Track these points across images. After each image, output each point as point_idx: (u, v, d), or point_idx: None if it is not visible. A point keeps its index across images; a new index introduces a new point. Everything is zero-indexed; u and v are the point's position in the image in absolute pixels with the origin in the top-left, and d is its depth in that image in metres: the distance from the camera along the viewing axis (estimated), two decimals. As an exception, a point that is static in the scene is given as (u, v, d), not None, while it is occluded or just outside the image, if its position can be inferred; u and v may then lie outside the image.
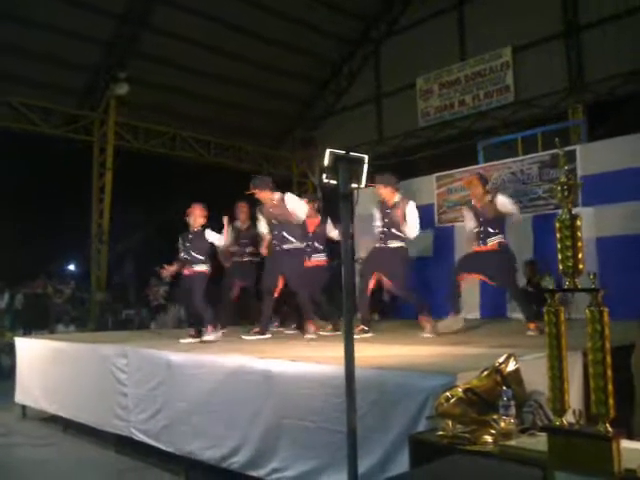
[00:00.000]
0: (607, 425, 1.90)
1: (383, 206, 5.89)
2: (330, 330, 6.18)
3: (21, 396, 6.36)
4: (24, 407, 6.38)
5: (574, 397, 2.40)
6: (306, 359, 3.83)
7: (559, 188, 2.19)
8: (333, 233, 6.66)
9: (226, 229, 6.01)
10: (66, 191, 13.59)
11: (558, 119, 10.21)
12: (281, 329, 6.95)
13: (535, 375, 2.75)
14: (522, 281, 6.81)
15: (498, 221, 5.73)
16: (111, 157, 11.59)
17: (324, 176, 3.03)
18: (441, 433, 2.47)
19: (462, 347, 4.50)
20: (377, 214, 5.95)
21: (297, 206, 5.85)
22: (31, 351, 6.38)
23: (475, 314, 7.59)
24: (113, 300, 11.79)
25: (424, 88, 11.93)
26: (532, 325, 5.28)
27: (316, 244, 6.62)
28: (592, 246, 6.49)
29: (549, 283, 6.77)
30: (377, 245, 5.85)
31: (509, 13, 10.43)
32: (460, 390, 2.54)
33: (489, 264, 5.71)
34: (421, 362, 3.65)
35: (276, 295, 6.04)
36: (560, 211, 2.19)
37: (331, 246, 6.75)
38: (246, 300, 7.23)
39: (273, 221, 5.96)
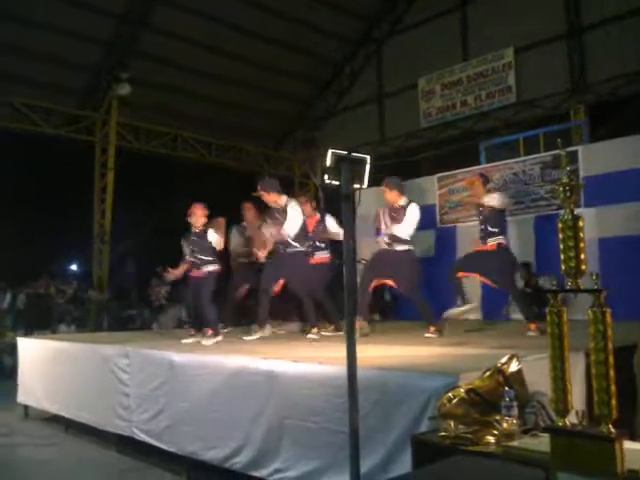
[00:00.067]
0: (610, 426, 1.90)
1: (390, 210, 5.88)
2: (332, 330, 6.18)
3: (23, 396, 6.37)
4: (26, 407, 6.39)
5: (576, 398, 2.41)
6: (308, 360, 3.83)
7: (561, 189, 2.20)
8: (334, 230, 6.61)
9: (222, 232, 6.01)
10: (68, 191, 13.60)
11: (560, 120, 10.20)
12: (283, 330, 6.94)
13: (537, 376, 2.75)
14: (519, 283, 6.81)
15: (497, 220, 5.74)
16: (113, 157, 11.60)
17: (326, 177, 3.03)
18: (443, 434, 2.48)
19: (464, 348, 4.50)
20: (384, 217, 5.92)
21: (290, 217, 5.84)
22: (33, 351, 6.39)
23: (476, 315, 7.59)
24: (117, 300, 11.80)
25: (426, 89, 11.93)
26: (533, 326, 5.29)
27: (317, 242, 6.62)
28: (594, 247, 6.49)
29: (546, 282, 6.81)
30: (383, 248, 5.82)
31: (511, 14, 10.42)
32: (462, 391, 2.54)
33: (488, 265, 5.72)
34: (423, 362, 3.65)
35: (275, 293, 6.06)
36: (562, 212, 2.19)
37: (333, 245, 6.75)
38: (251, 301, 7.23)
39: (279, 223, 5.99)
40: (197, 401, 4.21)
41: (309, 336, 5.86)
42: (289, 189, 13.30)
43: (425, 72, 11.88)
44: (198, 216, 5.91)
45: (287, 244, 5.88)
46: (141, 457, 4.72)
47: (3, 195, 12.68)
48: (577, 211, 2.17)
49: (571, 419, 2.03)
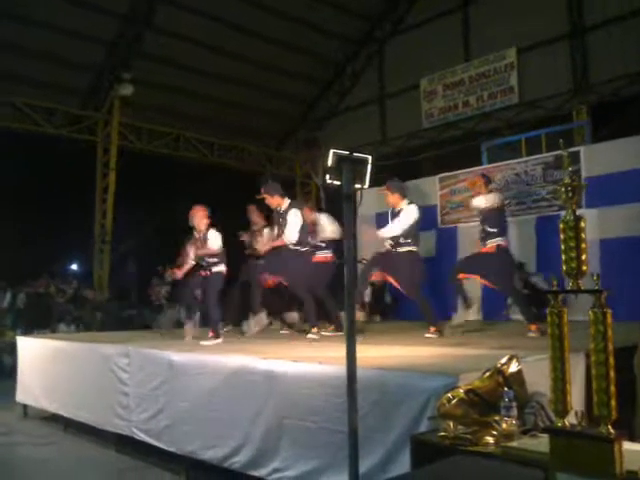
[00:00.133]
0: (609, 427, 1.89)
1: (392, 212, 5.91)
2: (332, 330, 6.19)
3: (22, 395, 6.36)
4: (25, 406, 6.39)
5: (575, 399, 2.40)
6: (308, 359, 3.83)
7: (563, 189, 2.19)
8: (328, 229, 6.62)
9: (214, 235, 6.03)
10: (69, 191, 13.61)
11: (562, 120, 10.18)
12: (284, 328, 6.94)
13: (537, 376, 2.74)
14: (517, 284, 6.80)
15: (495, 220, 5.75)
16: (115, 157, 11.61)
17: (327, 177, 3.03)
18: (443, 434, 2.47)
19: (463, 348, 4.50)
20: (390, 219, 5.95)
21: (290, 225, 5.88)
22: (32, 350, 6.39)
23: (476, 316, 7.58)
24: (118, 300, 11.80)
25: (428, 89, 11.92)
26: (533, 327, 5.29)
27: (317, 242, 6.63)
28: (595, 248, 6.48)
29: (539, 281, 6.82)
30: (387, 248, 5.83)
31: (514, 14, 10.41)
32: (462, 391, 2.53)
33: (487, 267, 5.74)
34: (423, 363, 3.65)
35: (268, 286, 6.10)
36: (563, 212, 2.18)
37: (336, 245, 6.76)
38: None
39: (280, 225, 6.05)
40: (196, 401, 4.20)
41: (309, 336, 5.86)
42: (291, 189, 13.36)
43: (427, 72, 11.88)
44: (199, 218, 5.90)
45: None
46: (140, 456, 4.72)
47: (5, 195, 12.69)
48: (578, 212, 2.16)
49: (570, 420, 2.02)
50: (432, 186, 8.93)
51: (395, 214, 5.83)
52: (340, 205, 2.99)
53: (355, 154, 3.03)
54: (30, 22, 9.84)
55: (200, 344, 5.33)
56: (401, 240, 5.69)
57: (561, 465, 1.94)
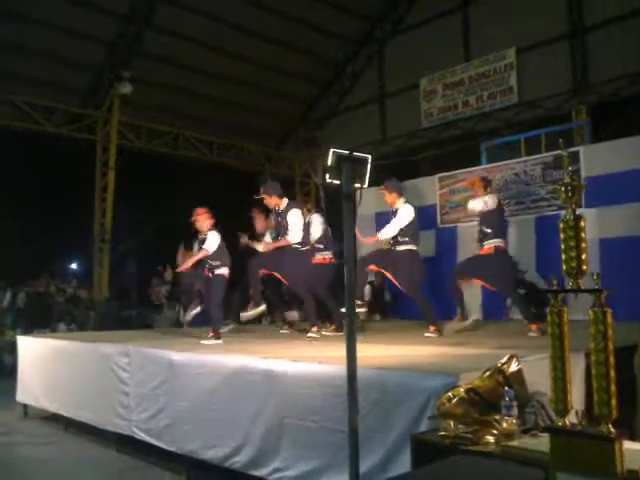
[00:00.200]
0: (610, 426, 1.89)
1: (392, 211, 5.94)
2: (332, 330, 6.19)
3: (22, 395, 6.36)
4: (25, 406, 6.38)
5: (576, 398, 2.40)
6: (308, 359, 3.83)
7: (563, 189, 2.19)
8: (314, 229, 6.61)
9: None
10: (69, 190, 13.61)
11: (562, 120, 10.18)
12: (285, 328, 6.94)
13: (537, 376, 2.75)
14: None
15: (492, 221, 5.77)
16: (114, 156, 11.59)
17: (327, 176, 3.03)
18: (443, 433, 2.47)
19: (464, 347, 4.50)
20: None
21: (292, 226, 5.91)
22: (32, 350, 6.38)
23: (477, 315, 7.58)
24: (118, 299, 11.79)
25: (428, 89, 11.92)
26: (533, 326, 5.31)
27: (316, 243, 6.63)
28: (595, 247, 6.49)
29: (535, 279, 6.85)
30: (387, 247, 5.85)
31: (513, 14, 10.40)
32: (462, 390, 2.53)
33: (486, 269, 5.76)
34: (423, 362, 3.65)
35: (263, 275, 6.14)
36: (563, 212, 2.18)
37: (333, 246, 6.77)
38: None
39: (276, 227, 6.09)
40: (197, 400, 4.21)
41: (309, 335, 5.87)
42: (290, 189, 13.36)
43: (427, 72, 11.88)
44: (202, 220, 5.89)
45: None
46: (140, 456, 4.72)
47: (4, 194, 12.69)
48: (578, 211, 2.16)
49: (571, 419, 2.03)
50: (431, 186, 8.93)
51: (393, 213, 5.87)
52: (339, 204, 2.99)
53: (355, 153, 3.04)
54: (30, 21, 9.83)
55: (200, 343, 5.34)
56: (400, 239, 5.72)
57: (562, 464, 1.95)
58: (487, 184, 6.08)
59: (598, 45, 9.75)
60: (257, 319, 7.28)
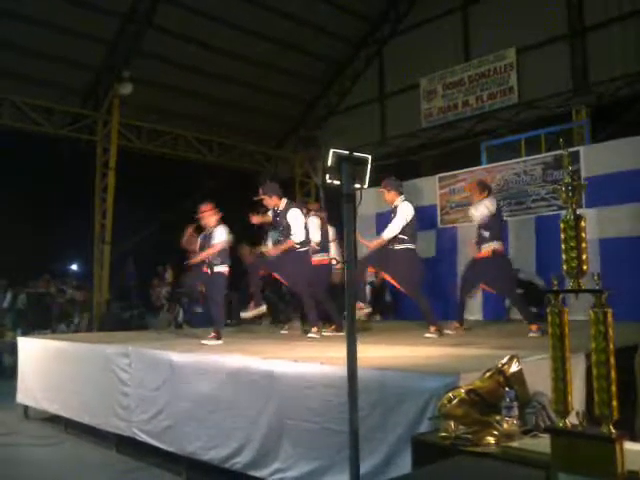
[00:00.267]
0: (610, 427, 1.89)
1: (391, 210, 5.94)
2: (332, 330, 6.20)
3: (23, 396, 6.35)
4: (26, 407, 6.38)
5: (576, 398, 2.40)
6: (308, 360, 3.83)
7: (563, 189, 2.19)
8: (313, 233, 6.60)
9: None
10: (69, 191, 13.61)
11: (562, 120, 10.17)
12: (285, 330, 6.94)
13: (538, 376, 2.75)
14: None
15: (490, 225, 5.79)
16: (114, 157, 11.58)
17: (327, 176, 3.03)
18: (443, 434, 2.47)
19: (464, 348, 4.50)
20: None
21: (294, 225, 5.93)
22: (33, 351, 6.38)
23: (477, 316, 7.59)
24: (118, 300, 11.79)
25: (428, 89, 11.91)
26: (534, 327, 5.31)
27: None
28: (595, 247, 6.49)
29: (529, 277, 6.86)
30: (387, 246, 5.85)
31: (513, 14, 10.40)
32: (463, 391, 2.53)
33: (485, 272, 5.78)
34: (423, 363, 3.65)
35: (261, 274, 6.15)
36: (563, 212, 2.18)
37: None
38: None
39: (275, 225, 6.09)
40: (197, 401, 4.20)
41: (309, 335, 5.87)
42: (290, 189, 13.36)
43: (427, 72, 11.87)
44: (208, 216, 5.91)
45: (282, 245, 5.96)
46: (141, 457, 4.72)
47: (4, 195, 12.69)
48: (578, 211, 2.16)
49: (571, 420, 2.02)
50: (432, 186, 8.93)
51: (392, 211, 5.88)
52: (339, 205, 2.99)
53: (355, 154, 3.04)
54: (30, 21, 9.82)
55: (201, 343, 5.34)
56: (399, 237, 5.72)
57: (562, 465, 1.94)
58: (483, 188, 6.07)
59: (598, 45, 9.75)
60: (257, 319, 7.29)
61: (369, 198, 6.28)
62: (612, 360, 1.94)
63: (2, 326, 10.06)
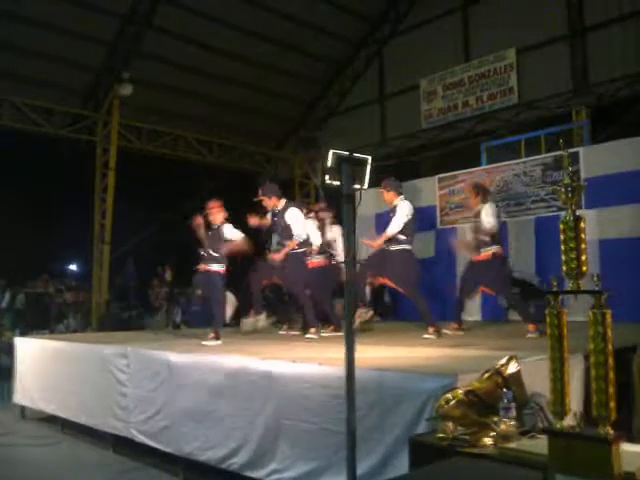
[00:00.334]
0: (608, 428, 1.88)
1: (390, 210, 5.94)
2: (331, 330, 6.19)
3: (20, 396, 6.34)
4: (23, 407, 6.37)
5: (573, 400, 2.39)
6: (307, 360, 3.82)
7: (563, 190, 2.18)
8: (313, 236, 6.60)
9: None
10: (69, 191, 13.61)
11: (562, 121, 10.17)
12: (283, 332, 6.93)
13: (536, 377, 2.74)
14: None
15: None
16: (114, 157, 11.58)
17: (327, 177, 3.02)
18: (441, 435, 2.46)
19: (462, 349, 4.49)
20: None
21: (294, 224, 5.92)
22: (30, 351, 6.37)
23: (476, 317, 7.58)
24: (118, 301, 11.78)
25: (428, 89, 11.91)
26: (532, 327, 5.31)
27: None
28: (594, 248, 6.48)
29: (522, 275, 6.87)
30: (383, 247, 5.85)
31: (513, 15, 10.39)
32: (461, 392, 2.52)
33: (485, 274, 5.77)
34: (421, 364, 3.64)
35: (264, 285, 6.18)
36: (562, 213, 2.17)
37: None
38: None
39: (274, 227, 6.08)
40: (195, 401, 4.19)
41: (308, 336, 5.86)
42: (289, 190, 13.35)
43: (427, 73, 11.87)
44: (215, 213, 5.93)
45: (280, 247, 5.93)
46: (138, 458, 4.71)
47: (3, 194, 12.69)
48: (578, 212, 2.15)
49: (569, 421, 2.02)
50: (431, 186, 8.92)
51: (391, 211, 5.88)
52: (339, 205, 2.98)
53: (355, 155, 3.03)
54: (30, 22, 9.82)
55: (201, 344, 5.33)
56: (397, 236, 5.72)
57: (560, 466, 1.93)
58: (478, 191, 6.03)
59: (598, 46, 9.74)
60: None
61: (369, 199, 6.26)
62: (611, 361, 1.93)
63: (0, 326, 10.05)
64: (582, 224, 2.11)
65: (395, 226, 5.70)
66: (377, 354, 4.20)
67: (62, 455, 5.04)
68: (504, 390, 2.52)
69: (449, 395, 2.52)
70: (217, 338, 5.52)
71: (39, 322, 10.07)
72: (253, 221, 6.27)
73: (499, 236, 5.90)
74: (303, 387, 3.49)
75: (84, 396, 5.35)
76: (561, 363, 2.05)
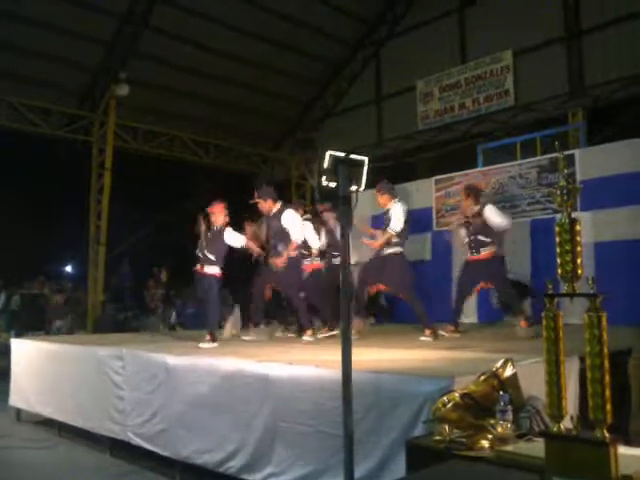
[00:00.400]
0: (604, 431, 1.89)
1: (384, 212, 5.95)
2: (326, 331, 6.20)
3: (15, 399, 6.29)
4: (18, 410, 6.32)
5: (570, 402, 2.40)
6: (303, 362, 3.82)
7: (559, 192, 2.18)
8: (312, 239, 6.58)
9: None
10: (65, 192, 13.58)
11: (558, 123, 10.20)
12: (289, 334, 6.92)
13: (532, 380, 2.74)
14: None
15: (489, 230, 5.79)
16: (110, 158, 11.56)
17: (324, 178, 3.02)
18: (438, 438, 2.46)
19: (459, 351, 4.49)
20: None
21: (291, 227, 5.91)
22: (26, 353, 6.33)
23: (472, 319, 7.59)
24: (113, 302, 11.75)
25: (424, 91, 11.93)
26: (524, 323, 5.44)
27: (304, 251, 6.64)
28: (590, 251, 6.49)
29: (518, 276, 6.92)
30: (375, 253, 5.88)
31: (510, 17, 10.42)
32: (457, 395, 2.52)
33: (484, 272, 5.79)
34: (418, 366, 3.64)
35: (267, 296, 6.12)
36: (558, 215, 2.18)
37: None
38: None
39: (270, 231, 6.05)
40: (192, 404, 4.18)
41: (304, 339, 5.86)
42: (286, 191, 13.35)
43: (423, 74, 11.89)
44: (218, 214, 5.92)
45: (276, 251, 5.91)
46: (134, 461, 4.69)
47: (0, 195, 12.66)
48: (573, 215, 2.16)
49: (565, 424, 2.02)
50: (428, 188, 8.93)
51: (385, 214, 5.89)
52: (336, 207, 2.98)
53: (351, 156, 3.03)
54: (27, 21, 9.79)
55: (198, 346, 5.32)
56: (392, 239, 5.74)
57: (556, 469, 1.94)
58: (471, 193, 6.04)
59: (594, 48, 9.78)
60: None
61: (365, 200, 6.28)
62: (607, 364, 1.94)
63: (-4, 327, 10.02)
64: (577, 226, 2.12)
65: (397, 225, 5.72)
66: (373, 356, 4.20)
67: (59, 458, 5.01)
68: (500, 393, 2.52)
69: (446, 398, 2.52)
70: (213, 340, 5.51)
71: (34, 323, 10.03)
72: (249, 230, 6.22)
73: (498, 238, 5.92)
74: (300, 390, 3.48)
75: (81, 399, 5.32)
76: (557, 366, 2.05)
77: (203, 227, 5.96)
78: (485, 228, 5.79)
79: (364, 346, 4.72)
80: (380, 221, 6.06)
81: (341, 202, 2.94)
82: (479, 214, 5.83)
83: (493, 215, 5.80)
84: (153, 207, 14.27)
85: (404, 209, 5.81)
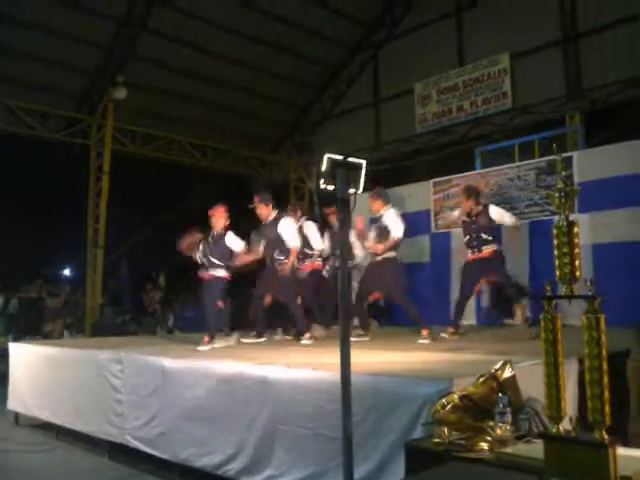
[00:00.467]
0: (603, 432, 1.89)
1: (377, 218, 5.99)
2: (324, 332, 6.22)
3: (13, 402, 6.28)
4: (17, 414, 6.31)
5: (569, 404, 2.40)
6: (302, 365, 3.81)
7: (556, 194, 2.19)
8: (315, 240, 6.59)
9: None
10: (63, 195, 13.57)
11: (555, 126, 10.23)
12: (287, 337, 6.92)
13: (531, 382, 2.74)
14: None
15: (492, 229, 5.82)
16: (108, 161, 11.54)
17: (322, 181, 3.02)
18: (437, 440, 2.46)
19: (458, 353, 4.49)
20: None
21: (288, 235, 5.92)
22: (24, 357, 6.32)
23: (471, 320, 7.59)
24: (111, 305, 11.73)
25: (422, 94, 11.94)
26: (519, 316, 5.61)
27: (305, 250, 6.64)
28: (588, 253, 6.50)
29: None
30: (370, 260, 5.92)
31: (507, 20, 10.45)
32: (456, 397, 2.53)
33: (487, 267, 5.82)
34: (417, 368, 3.64)
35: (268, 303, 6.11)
36: (556, 217, 2.18)
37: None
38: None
39: (266, 237, 6.06)
40: (190, 407, 4.18)
41: (302, 342, 5.86)
42: (284, 194, 13.35)
43: (421, 77, 11.91)
44: (218, 218, 5.91)
45: (273, 258, 5.91)
46: (133, 464, 4.68)
47: (-3, 198, 12.65)
48: (571, 217, 2.16)
49: (564, 425, 2.02)
50: (426, 191, 8.93)
51: (377, 219, 5.92)
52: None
53: (349, 159, 3.03)
54: (26, 25, 9.79)
55: (197, 349, 5.31)
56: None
57: (555, 471, 1.94)
58: (471, 194, 6.06)
59: (591, 51, 9.81)
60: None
61: (363, 203, 6.29)
62: (605, 366, 1.94)
63: (-6, 331, 10.00)
64: (575, 229, 2.12)
65: (398, 231, 5.75)
66: (372, 359, 4.20)
67: (57, 462, 5.01)
68: (499, 395, 2.52)
69: (444, 400, 2.52)
70: (212, 343, 5.50)
71: (32, 327, 10.01)
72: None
73: (498, 237, 5.97)
74: (298, 392, 3.48)
75: (79, 402, 5.31)
76: (556, 367, 2.05)
77: (199, 237, 5.94)
78: (488, 226, 5.83)
79: (363, 348, 4.72)
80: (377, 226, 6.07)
81: (339, 205, 2.94)
82: (483, 213, 5.88)
83: (501, 214, 5.88)
84: (151, 210, 14.27)
85: (398, 214, 5.84)
